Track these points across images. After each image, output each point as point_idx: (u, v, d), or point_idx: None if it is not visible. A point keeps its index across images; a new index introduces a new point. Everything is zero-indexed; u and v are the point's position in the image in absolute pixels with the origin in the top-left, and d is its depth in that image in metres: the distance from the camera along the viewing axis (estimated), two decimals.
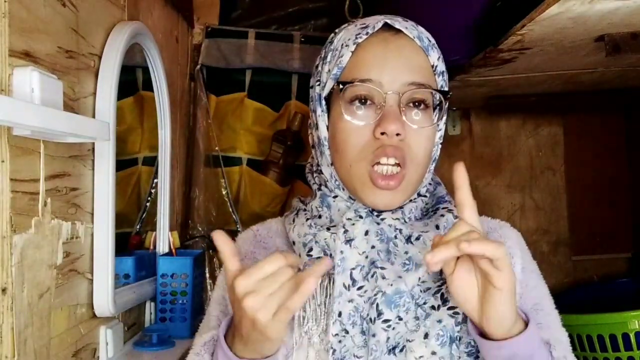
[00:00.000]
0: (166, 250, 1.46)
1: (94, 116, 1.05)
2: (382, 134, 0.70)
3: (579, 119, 2.23)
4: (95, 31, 1.08)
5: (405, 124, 0.71)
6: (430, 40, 0.76)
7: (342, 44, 0.76)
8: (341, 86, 0.73)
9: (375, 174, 0.71)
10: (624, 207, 2.21)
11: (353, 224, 0.73)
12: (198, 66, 1.90)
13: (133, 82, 1.38)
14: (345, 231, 0.73)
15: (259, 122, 1.96)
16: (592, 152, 2.22)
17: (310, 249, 0.75)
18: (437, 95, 0.75)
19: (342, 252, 0.72)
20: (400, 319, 0.70)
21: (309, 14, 2.10)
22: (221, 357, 0.67)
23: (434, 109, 0.76)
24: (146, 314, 1.39)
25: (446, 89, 0.78)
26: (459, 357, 0.70)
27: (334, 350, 0.69)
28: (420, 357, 0.69)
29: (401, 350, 0.70)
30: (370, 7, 1.89)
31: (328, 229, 0.74)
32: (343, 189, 0.77)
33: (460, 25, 1.35)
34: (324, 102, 0.77)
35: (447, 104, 0.76)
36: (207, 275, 1.86)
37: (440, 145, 0.79)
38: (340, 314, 0.70)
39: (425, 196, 0.80)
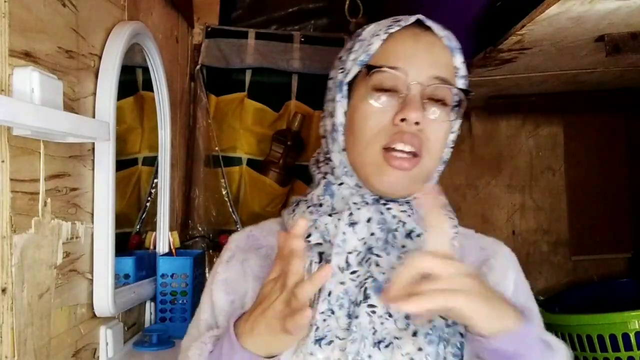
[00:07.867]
0: (166, 250, 1.47)
1: (94, 116, 1.05)
2: (402, 120, 0.71)
3: (579, 119, 2.22)
4: (95, 31, 1.08)
5: (424, 116, 0.72)
6: (457, 44, 0.78)
7: (372, 34, 0.77)
8: (369, 70, 0.73)
9: (389, 155, 0.72)
10: (624, 207, 2.20)
11: (359, 209, 0.74)
12: (198, 66, 1.90)
13: (133, 82, 1.38)
14: (350, 214, 0.73)
15: (259, 122, 1.96)
16: (592, 152, 2.22)
17: (309, 235, 0.74)
18: (457, 97, 0.77)
19: (344, 233, 0.72)
20: (390, 315, 0.70)
21: (309, 14, 2.10)
22: (226, 347, 0.67)
23: (452, 109, 0.77)
24: (146, 314, 1.39)
25: None
26: (444, 358, 0.70)
27: (317, 328, 0.70)
28: (407, 353, 0.69)
29: (387, 346, 0.69)
30: (370, 8, 1.89)
31: (330, 215, 0.75)
32: (352, 176, 0.77)
33: (460, 25, 1.35)
34: (345, 88, 0.77)
35: (466, 104, 0.78)
36: (207, 275, 1.85)
37: (451, 149, 0.81)
38: (330, 294, 0.71)
39: None
